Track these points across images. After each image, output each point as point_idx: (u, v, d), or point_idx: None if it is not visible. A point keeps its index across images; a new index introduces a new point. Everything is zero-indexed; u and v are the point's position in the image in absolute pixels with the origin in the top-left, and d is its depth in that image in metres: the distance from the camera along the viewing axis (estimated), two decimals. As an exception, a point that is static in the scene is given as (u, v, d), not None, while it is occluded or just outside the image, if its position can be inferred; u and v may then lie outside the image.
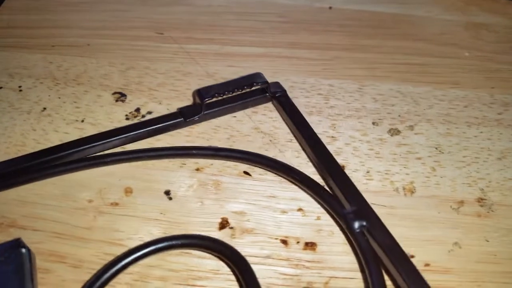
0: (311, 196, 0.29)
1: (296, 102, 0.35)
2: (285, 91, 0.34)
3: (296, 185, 0.29)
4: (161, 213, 0.28)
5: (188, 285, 0.26)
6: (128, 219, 0.28)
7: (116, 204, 0.29)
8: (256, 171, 0.31)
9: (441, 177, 0.31)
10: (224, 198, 0.29)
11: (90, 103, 0.34)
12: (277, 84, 0.35)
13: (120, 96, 0.34)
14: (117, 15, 0.41)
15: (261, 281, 0.25)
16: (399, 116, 0.34)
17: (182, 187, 0.30)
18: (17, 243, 0.25)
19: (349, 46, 0.40)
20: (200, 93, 0.31)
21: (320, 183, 0.29)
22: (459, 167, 0.32)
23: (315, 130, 0.33)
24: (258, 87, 0.32)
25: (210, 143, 0.32)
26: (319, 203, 0.29)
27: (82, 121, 0.33)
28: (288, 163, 0.30)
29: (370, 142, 0.33)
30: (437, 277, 0.27)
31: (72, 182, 0.29)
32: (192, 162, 0.31)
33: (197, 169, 0.31)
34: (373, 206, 0.29)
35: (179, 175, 0.30)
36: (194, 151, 0.30)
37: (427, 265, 0.27)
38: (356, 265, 0.27)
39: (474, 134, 0.34)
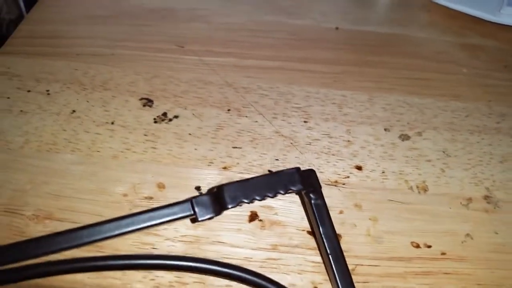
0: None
1: (311, 110, 0.37)
2: (322, 197, 0.28)
3: None
4: (194, 206, 0.29)
5: (224, 271, 0.27)
6: (163, 211, 0.29)
7: (150, 198, 0.30)
8: (279, 168, 0.32)
9: (450, 177, 0.33)
10: (251, 194, 0.31)
11: (119, 107, 0.35)
12: (312, 179, 0.29)
13: (147, 102, 0.36)
14: (139, 29, 0.43)
15: (292, 268, 0.27)
16: (408, 123, 0.37)
17: (212, 183, 0.31)
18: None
19: (356, 62, 0.43)
20: (223, 197, 0.27)
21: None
22: (465, 169, 0.34)
23: (333, 135, 0.35)
24: (294, 191, 0.28)
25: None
26: None
27: (112, 123, 0.34)
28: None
29: (384, 146, 0.35)
30: (454, 265, 0.29)
31: (107, 178, 0.31)
32: (219, 161, 0.33)
33: (224, 168, 0.32)
34: (391, 203, 0.31)
35: (207, 172, 0.32)
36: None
37: (443, 253, 0.29)
38: (380, 254, 0.29)
39: (477, 140, 0.36)
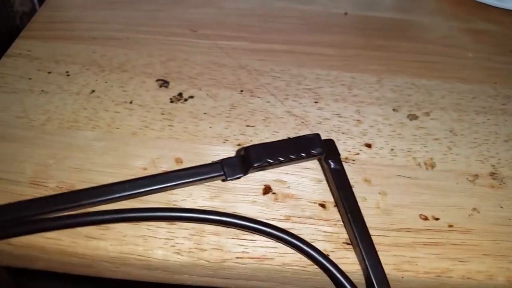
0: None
1: (322, 91, 0.38)
2: (341, 163, 0.31)
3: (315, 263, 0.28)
4: (210, 180, 0.31)
5: (239, 238, 0.28)
6: (181, 184, 0.30)
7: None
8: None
9: (457, 155, 0.34)
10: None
11: (136, 87, 0.37)
12: (332, 148, 0.31)
13: (163, 83, 0.37)
14: (153, 14, 0.44)
15: (305, 237, 0.28)
16: (416, 104, 0.38)
17: (227, 158, 0.32)
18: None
19: (365, 46, 0.44)
20: (250, 157, 0.29)
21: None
22: (472, 147, 0.35)
23: (343, 114, 0.36)
24: (315, 154, 0.30)
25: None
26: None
27: (131, 102, 0.36)
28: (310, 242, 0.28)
29: (392, 125, 0.36)
30: (461, 236, 0.30)
31: (127, 153, 0.32)
32: (233, 139, 0.34)
33: (239, 145, 0.34)
34: (399, 178, 0.32)
35: (222, 148, 0.33)
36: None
37: (450, 226, 0.30)
38: (388, 225, 0.30)
39: (483, 120, 0.38)
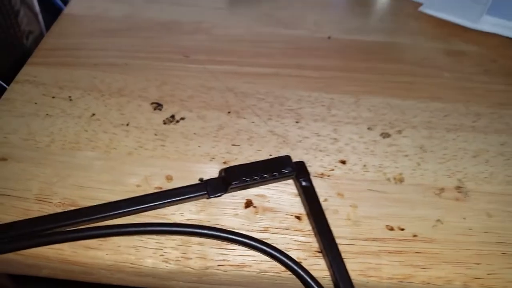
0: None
1: (303, 111, 0.42)
2: (310, 181, 0.35)
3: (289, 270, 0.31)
4: (197, 195, 0.34)
5: (221, 248, 0.31)
6: (170, 199, 0.34)
7: (160, 188, 0.35)
8: (273, 164, 0.37)
9: (425, 170, 0.38)
10: (247, 185, 0.35)
11: (133, 110, 0.40)
12: (304, 173, 0.35)
13: (158, 106, 0.41)
14: (148, 41, 0.48)
15: (281, 246, 0.32)
16: (389, 123, 0.41)
17: (213, 175, 0.36)
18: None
19: (346, 68, 0.47)
20: (228, 176, 0.33)
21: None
22: (440, 163, 0.38)
23: (321, 133, 0.40)
24: (285, 175, 0.34)
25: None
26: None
27: (127, 124, 0.39)
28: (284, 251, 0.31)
29: (366, 143, 0.39)
30: (424, 245, 0.33)
31: (123, 171, 0.36)
32: (219, 157, 0.37)
33: (224, 162, 0.37)
34: (370, 192, 0.36)
35: (209, 166, 0.36)
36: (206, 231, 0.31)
37: (415, 236, 0.33)
38: (357, 235, 0.33)
39: (453, 137, 0.41)
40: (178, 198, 0.33)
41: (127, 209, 0.32)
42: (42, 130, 0.39)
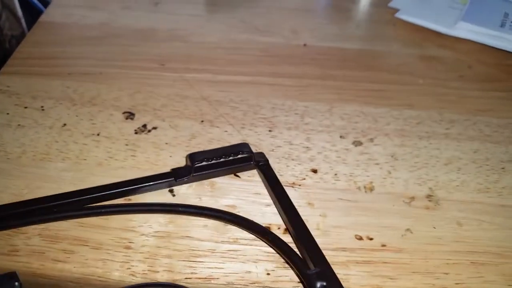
0: (281, 256, 0.32)
1: (276, 120, 0.42)
2: (267, 161, 0.37)
3: (269, 245, 0.32)
4: (167, 206, 0.34)
5: (189, 260, 0.31)
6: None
7: (129, 200, 0.34)
8: (244, 174, 0.37)
9: (396, 178, 0.38)
10: (218, 195, 0.35)
11: (104, 120, 0.40)
12: (261, 154, 0.38)
13: (129, 115, 0.41)
14: (124, 49, 0.48)
15: (249, 257, 0.32)
16: (362, 131, 0.41)
17: (184, 186, 0.36)
18: (11, 275, 0.27)
19: (320, 76, 0.47)
20: (192, 157, 0.36)
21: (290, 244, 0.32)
22: (411, 171, 0.38)
23: (293, 142, 0.40)
24: (244, 155, 0.36)
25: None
26: (287, 262, 0.32)
27: (98, 134, 0.39)
28: (263, 226, 0.33)
29: (338, 151, 0.39)
30: (392, 255, 0.33)
31: (92, 183, 0.35)
32: (191, 167, 0.37)
33: (195, 173, 0.37)
34: (340, 201, 0.36)
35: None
36: (180, 208, 0.34)
37: (383, 245, 0.33)
38: (326, 245, 0.33)
39: (425, 145, 0.41)
40: (148, 184, 0.35)
41: (100, 193, 0.34)
42: (13, 141, 0.38)
